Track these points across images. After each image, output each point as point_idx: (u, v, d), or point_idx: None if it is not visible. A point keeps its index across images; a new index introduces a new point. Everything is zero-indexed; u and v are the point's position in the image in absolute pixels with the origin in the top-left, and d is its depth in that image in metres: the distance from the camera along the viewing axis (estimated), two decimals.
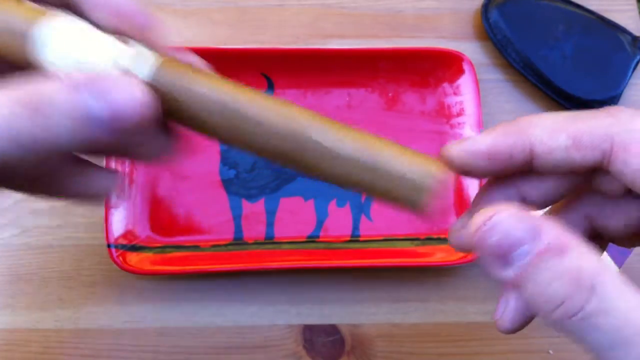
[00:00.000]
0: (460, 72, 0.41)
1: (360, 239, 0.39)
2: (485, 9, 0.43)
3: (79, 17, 0.17)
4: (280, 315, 0.38)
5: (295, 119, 0.18)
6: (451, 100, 0.41)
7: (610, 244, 0.37)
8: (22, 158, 0.16)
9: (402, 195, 0.18)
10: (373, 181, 0.18)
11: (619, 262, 0.37)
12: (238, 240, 0.38)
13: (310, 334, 0.37)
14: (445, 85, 0.42)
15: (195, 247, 0.38)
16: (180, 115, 0.18)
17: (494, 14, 0.43)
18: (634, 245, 0.21)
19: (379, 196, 0.18)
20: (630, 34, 0.43)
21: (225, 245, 0.38)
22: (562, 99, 0.42)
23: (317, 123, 0.18)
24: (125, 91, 0.16)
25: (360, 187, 0.18)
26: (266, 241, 0.38)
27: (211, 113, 0.17)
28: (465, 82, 0.41)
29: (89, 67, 0.17)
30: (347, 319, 0.38)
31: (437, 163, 0.18)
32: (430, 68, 0.42)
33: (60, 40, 0.17)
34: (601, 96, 0.41)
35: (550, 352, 0.38)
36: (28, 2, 0.17)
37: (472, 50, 0.44)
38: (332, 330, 0.38)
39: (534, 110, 0.43)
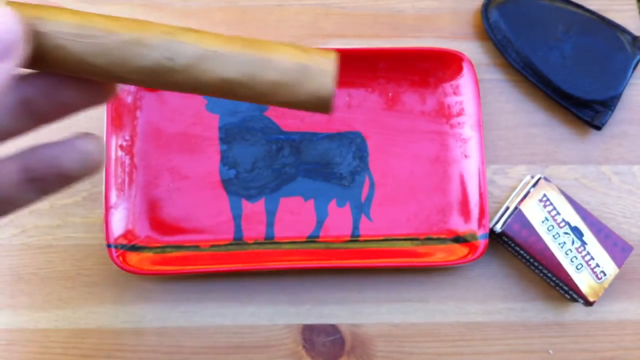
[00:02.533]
0: (460, 72, 0.41)
1: (360, 239, 0.39)
2: (485, 9, 0.43)
3: None
4: (280, 315, 0.38)
5: (162, 28, 0.17)
6: (451, 100, 0.41)
7: (611, 244, 0.37)
8: None
9: (310, 86, 0.17)
10: (269, 77, 0.17)
11: (619, 262, 0.37)
12: (238, 240, 0.38)
13: (310, 334, 0.37)
14: (445, 85, 0.42)
15: (195, 247, 0.38)
16: (43, 54, 0.17)
17: (494, 14, 0.43)
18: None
19: (285, 98, 0.18)
20: (630, 34, 0.43)
21: (225, 245, 0.38)
22: (562, 99, 0.42)
23: (190, 31, 0.17)
24: (5, 19, 0.16)
25: (258, 90, 0.18)
26: (266, 241, 0.38)
27: (72, 39, 0.17)
28: (465, 82, 0.41)
29: None
30: (347, 319, 0.38)
31: (326, 50, 0.18)
32: (430, 68, 0.42)
33: None
34: (601, 96, 0.41)
35: (550, 352, 0.38)
36: None
37: (472, 50, 0.44)
38: (332, 330, 0.38)
39: (534, 110, 0.43)
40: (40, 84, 0.19)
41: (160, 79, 0.17)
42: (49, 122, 0.21)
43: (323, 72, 0.17)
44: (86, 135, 0.20)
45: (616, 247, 0.38)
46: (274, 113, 0.40)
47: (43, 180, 0.20)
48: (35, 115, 0.20)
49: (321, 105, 0.18)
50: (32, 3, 0.17)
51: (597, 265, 0.37)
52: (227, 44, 0.17)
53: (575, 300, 0.38)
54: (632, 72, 0.42)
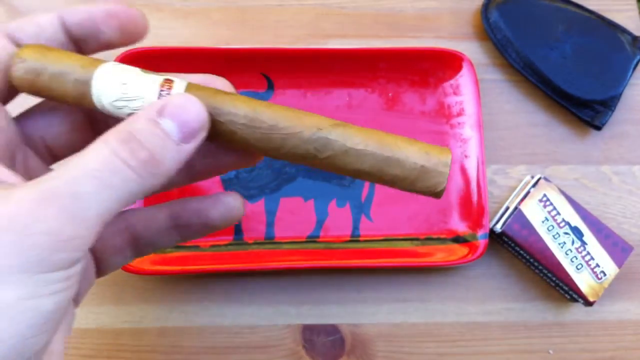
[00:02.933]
0: (460, 72, 0.41)
1: (360, 239, 0.39)
2: (485, 9, 0.43)
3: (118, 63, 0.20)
4: (280, 315, 0.38)
5: (316, 123, 0.20)
6: (451, 100, 0.41)
7: (611, 244, 0.37)
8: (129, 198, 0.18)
9: (424, 182, 0.20)
10: (394, 175, 0.20)
11: (619, 262, 0.37)
12: (238, 240, 0.38)
13: (310, 334, 0.37)
14: (445, 85, 0.42)
15: (195, 247, 0.38)
16: (214, 134, 0.20)
17: (494, 14, 0.43)
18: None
19: (402, 186, 0.21)
20: (630, 34, 0.43)
21: (225, 245, 0.38)
22: (562, 99, 0.42)
23: (336, 123, 0.20)
24: (195, 108, 0.19)
25: (382, 180, 0.21)
26: (266, 241, 0.38)
27: (241, 127, 0.20)
28: (465, 82, 0.41)
29: (137, 100, 0.19)
30: (347, 319, 0.38)
31: (444, 148, 0.21)
32: (430, 68, 0.42)
33: (110, 83, 0.19)
34: (601, 96, 0.41)
35: (550, 352, 0.38)
36: (87, 56, 0.20)
37: (472, 50, 0.44)
38: (332, 330, 0.38)
39: (534, 110, 0.43)
40: (204, 151, 0.21)
41: (303, 161, 0.21)
42: (202, 178, 0.24)
43: (439, 174, 0.20)
44: (232, 193, 0.24)
45: (616, 247, 0.38)
46: None
47: (188, 227, 0.24)
48: (193, 173, 0.24)
49: (433, 195, 0.21)
50: (210, 88, 0.20)
51: (597, 265, 0.37)
52: (366, 139, 0.20)
53: (575, 300, 0.38)
54: (632, 72, 0.42)
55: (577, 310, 0.39)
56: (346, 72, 0.41)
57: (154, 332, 0.37)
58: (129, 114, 0.19)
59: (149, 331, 0.37)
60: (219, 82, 0.22)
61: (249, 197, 0.39)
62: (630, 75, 0.42)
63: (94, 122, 0.23)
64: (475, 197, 0.39)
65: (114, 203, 0.17)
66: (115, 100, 0.19)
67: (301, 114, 0.20)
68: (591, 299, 0.37)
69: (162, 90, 0.19)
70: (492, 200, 0.41)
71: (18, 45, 0.20)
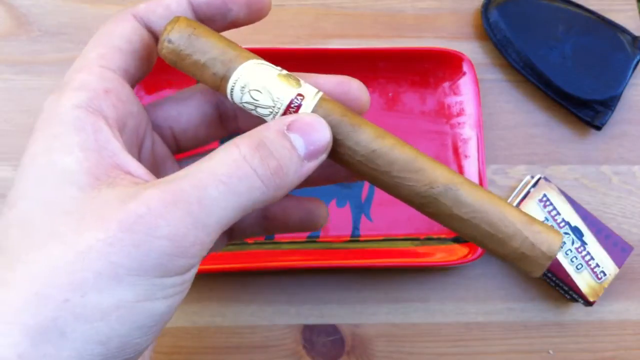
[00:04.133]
0: (460, 72, 0.41)
1: (360, 239, 0.39)
2: (485, 9, 0.43)
3: (261, 59, 0.20)
4: (280, 315, 0.38)
5: (430, 180, 0.20)
6: (451, 100, 0.42)
7: (611, 244, 0.37)
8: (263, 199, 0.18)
9: (522, 264, 0.20)
10: (493, 249, 0.20)
11: (619, 262, 0.37)
12: (238, 241, 0.38)
13: (310, 334, 0.37)
14: (445, 85, 0.42)
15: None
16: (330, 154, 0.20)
17: (494, 14, 0.43)
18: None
19: (500, 258, 0.20)
20: (630, 34, 0.43)
21: (225, 245, 0.38)
22: (562, 99, 0.42)
23: (454, 184, 0.20)
24: (322, 130, 0.19)
25: (483, 247, 0.20)
26: (266, 241, 0.38)
27: (356, 162, 0.20)
28: (465, 82, 0.41)
29: (265, 109, 0.20)
30: (347, 319, 0.38)
31: (557, 234, 0.20)
32: (430, 68, 0.42)
33: (245, 87, 0.19)
34: (601, 96, 0.41)
35: (550, 352, 0.38)
36: (235, 45, 0.20)
37: (472, 50, 0.44)
38: (332, 330, 0.38)
39: (534, 110, 0.43)
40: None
41: (407, 203, 0.20)
42: (311, 185, 0.24)
43: (539, 265, 0.20)
44: (315, 200, 0.25)
45: (616, 247, 0.38)
46: None
47: (272, 221, 0.25)
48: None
49: (529, 274, 0.21)
50: (339, 109, 0.20)
51: (597, 265, 0.37)
52: (474, 210, 0.20)
53: (575, 300, 0.38)
54: (632, 72, 0.42)
55: (577, 310, 0.39)
56: (346, 72, 0.41)
57: None
58: (254, 116, 0.20)
59: None
60: (354, 84, 0.22)
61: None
62: (630, 75, 0.42)
63: (224, 118, 0.24)
64: None
65: (235, 211, 0.17)
66: (246, 103, 0.20)
67: (422, 162, 0.20)
68: (591, 299, 0.37)
69: (291, 103, 0.19)
70: None
71: (147, 27, 0.20)
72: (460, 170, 0.40)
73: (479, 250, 0.37)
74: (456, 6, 0.45)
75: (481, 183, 0.39)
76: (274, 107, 0.19)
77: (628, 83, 0.42)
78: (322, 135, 0.19)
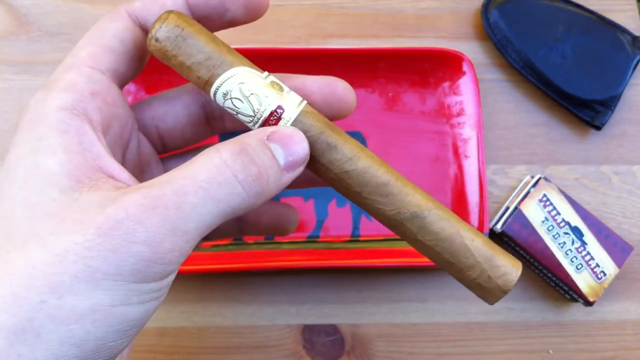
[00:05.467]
0: (460, 72, 0.41)
1: (360, 239, 0.39)
2: (485, 9, 0.43)
3: (251, 66, 0.20)
4: (279, 315, 0.38)
5: (397, 206, 0.20)
6: (451, 100, 0.41)
7: (611, 244, 0.37)
8: (243, 205, 0.18)
9: (478, 292, 0.21)
10: (453, 273, 0.21)
11: (619, 262, 0.37)
12: (238, 240, 0.38)
13: (310, 334, 0.37)
14: (445, 85, 0.42)
15: (195, 247, 0.38)
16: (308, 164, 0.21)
17: (494, 14, 0.43)
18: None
19: (459, 279, 0.21)
20: (630, 34, 0.43)
21: (225, 245, 0.38)
22: (562, 99, 0.42)
23: (422, 210, 0.20)
24: (300, 143, 0.19)
25: (444, 269, 0.21)
26: (266, 241, 0.38)
27: (333, 176, 0.20)
28: (465, 82, 0.41)
29: (247, 116, 0.20)
30: (347, 319, 0.38)
31: (516, 268, 0.21)
32: (430, 68, 0.42)
33: (228, 94, 0.20)
34: (601, 96, 0.41)
35: (551, 352, 0.38)
36: (226, 48, 0.20)
37: (472, 50, 0.44)
38: (332, 330, 0.38)
39: (534, 110, 0.43)
40: None
41: (377, 218, 0.21)
42: (294, 188, 0.25)
43: (493, 296, 0.21)
44: (287, 205, 0.26)
45: (616, 247, 0.38)
46: None
47: (245, 225, 0.25)
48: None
49: (484, 300, 0.21)
50: (320, 123, 0.20)
51: (597, 265, 0.37)
52: (439, 237, 0.20)
53: (575, 300, 0.38)
54: (632, 72, 0.42)
55: (577, 310, 0.39)
56: (346, 72, 0.41)
57: (154, 332, 0.37)
58: (238, 119, 0.20)
59: (149, 331, 0.37)
60: (340, 84, 0.22)
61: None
62: (630, 75, 0.42)
63: (210, 118, 0.24)
64: (475, 197, 0.39)
65: (214, 217, 0.17)
66: (228, 108, 0.20)
67: (394, 187, 0.20)
68: (591, 299, 0.37)
69: (270, 117, 0.20)
70: (492, 200, 0.41)
71: (141, 26, 0.20)
72: (461, 170, 0.40)
73: None
74: (456, 6, 0.45)
75: (481, 183, 0.39)
76: (254, 116, 0.20)
77: (628, 83, 0.42)
78: (300, 147, 0.19)
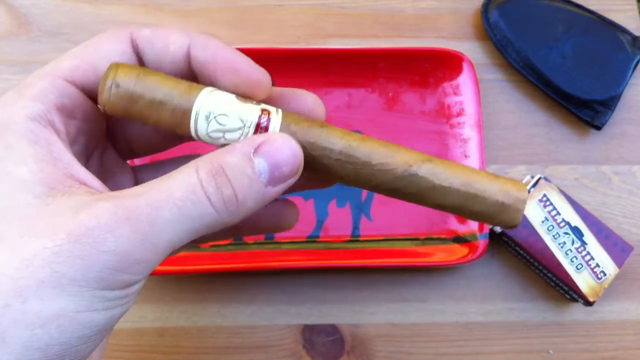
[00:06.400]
0: (460, 72, 0.41)
1: (360, 239, 0.39)
2: (485, 9, 0.43)
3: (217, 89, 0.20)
4: (280, 315, 0.38)
5: (407, 159, 0.20)
6: (451, 100, 0.41)
7: (611, 244, 0.37)
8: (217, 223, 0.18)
9: (503, 217, 0.21)
10: (475, 210, 0.21)
11: (619, 262, 0.37)
12: (238, 240, 0.38)
13: (310, 334, 0.37)
14: (445, 85, 0.42)
15: (195, 247, 0.38)
16: (307, 166, 0.20)
17: (494, 14, 0.43)
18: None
19: (480, 219, 0.21)
20: (630, 34, 0.43)
21: (225, 245, 0.38)
22: (562, 99, 0.42)
23: (426, 159, 0.21)
24: (286, 147, 0.18)
25: (463, 213, 0.21)
26: (266, 241, 0.38)
27: (335, 162, 0.20)
28: (465, 82, 0.41)
29: (236, 133, 0.19)
30: (347, 319, 0.38)
31: (520, 185, 0.21)
32: (430, 68, 0.42)
33: (210, 113, 0.19)
34: (601, 96, 0.41)
35: (551, 352, 0.38)
36: (183, 81, 0.19)
37: (472, 50, 0.44)
38: (332, 330, 0.38)
39: (534, 110, 0.43)
40: None
41: (388, 193, 0.21)
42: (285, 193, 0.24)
43: (517, 210, 0.21)
44: (286, 201, 0.25)
45: (616, 247, 0.38)
46: None
47: (244, 227, 0.24)
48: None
49: (508, 227, 0.21)
50: (305, 119, 0.20)
51: (597, 265, 0.37)
52: (451, 176, 0.20)
53: (575, 300, 0.38)
54: (632, 72, 0.42)
55: (577, 310, 0.39)
56: (346, 72, 0.41)
57: (153, 332, 0.37)
58: (223, 145, 0.19)
59: (148, 331, 0.37)
60: (309, 97, 0.22)
61: None
62: (630, 75, 0.42)
63: None
64: None
65: (187, 233, 0.17)
66: (213, 132, 0.19)
67: (393, 148, 0.20)
68: (591, 299, 0.37)
69: (259, 123, 0.19)
70: None
71: (138, 54, 0.20)
72: None
73: (479, 250, 0.37)
74: (456, 6, 0.45)
75: None
76: (243, 127, 0.19)
77: (628, 83, 0.42)
78: (291, 157, 0.18)
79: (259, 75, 0.20)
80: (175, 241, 0.17)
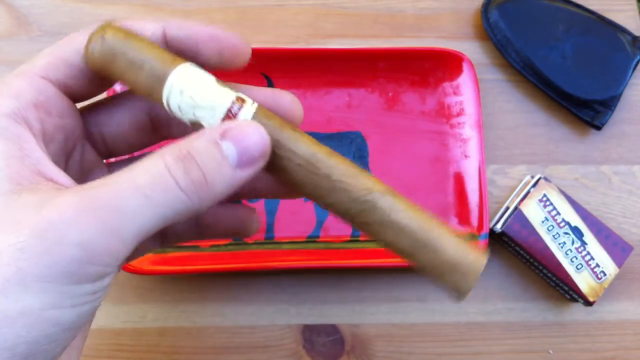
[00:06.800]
0: (460, 72, 0.41)
1: (360, 239, 0.39)
2: (485, 9, 0.43)
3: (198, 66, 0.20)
4: (279, 315, 0.38)
5: (369, 186, 0.19)
6: (451, 100, 0.41)
7: (611, 244, 0.37)
8: (184, 211, 0.17)
9: (450, 281, 0.20)
10: (426, 260, 0.20)
11: (619, 262, 0.37)
12: (238, 240, 0.38)
13: (310, 334, 0.37)
14: (445, 85, 0.42)
15: (195, 247, 0.38)
16: (268, 164, 0.20)
17: (494, 14, 0.43)
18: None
19: (429, 274, 0.20)
20: (630, 34, 0.43)
21: (225, 245, 0.38)
22: (562, 99, 0.42)
23: (388, 191, 0.20)
24: (259, 137, 0.18)
25: (413, 261, 0.20)
26: (266, 241, 0.38)
27: (296, 167, 0.19)
28: (465, 82, 0.41)
29: (206, 111, 0.19)
30: (347, 319, 0.38)
31: (482, 253, 0.20)
32: (430, 68, 0.42)
33: (184, 87, 0.19)
34: (601, 96, 0.41)
35: (550, 352, 0.38)
36: (168, 51, 0.20)
37: (472, 50, 0.44)
38: (332, 330, 0.38)
39: (534, 110, 0.43)
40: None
41: (341, 216, 0.20)
42: (240, 199, 0.25)
43: (468, 277, 0.19)
44: (247, 208, 0.25)
45: (616, 247, 0.38)
46: None
47: (208, 227, 0.25)
48: (255, 192, 0.24)
49: (454, 292, 0.20)
50: (277, 118, 0.20)
51: (597, 265, 0.37)
52: (409, 217, 0.19)
53: (575, 300, 0.38)
54: (632, 72, 0.42)
55: (577, 310, 0.39)
56: (346, 72, 0.41)
57: (153, 332, 0.37)
58: (191, 121, 0.19)
59: (148, 331, 0.37)
60: (287, 97, 0.22)
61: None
62: (630, 75, 0.42)
63: (156, 125, 0.23)
64: (475, 197, 0.39)
65: (156, 221, 0.17)
66: (183, 105, 0.19)
67: (358, 171, 0.20)
68: (591, 299, 0.37)
69: (231, 108, 0.19)
70: (492, 200, 0.41)
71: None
72: (461, 170, 0.40)
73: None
74: (456, 6, 0.45)
75: (481, 183, 0.39)
76: (214, 109, 0.19)
77: (628, 83, 0.42)
78: (259, 141, 0.18)
79: (238, 40, 0.20)
80: (145, 230, 0.17)
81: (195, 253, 0.37)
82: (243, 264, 0.37)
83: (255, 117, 0.19)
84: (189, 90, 0.19)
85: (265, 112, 0.19)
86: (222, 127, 0.18)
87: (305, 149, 0.19)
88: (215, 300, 0.38)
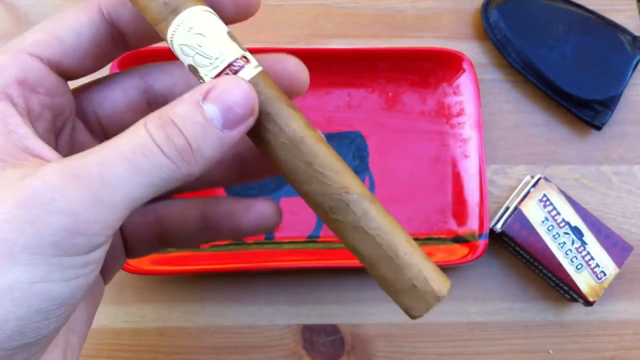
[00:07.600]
0: (460, 72, 0.41)
1: None
2: (485, 9, 0.43)
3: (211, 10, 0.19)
4: (279, 315, 0.38)
5: (347, 185, 0.19)
6: (451, 100, 0.41)
7: (611, 244, 0.37)
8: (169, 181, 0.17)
9: (407, 299, 0.19)
10: (384, 274, 0.19)
11: (619, 262, 0.37)
12: (238, 240, 0.38)
13: (310, 334, 0.37)
14: (445, 85, 0.42)
15: (195, 247, 0.38)
16: (254, 132, 0.19)
17: (494, 14, 0.43)
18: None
19: (385, 287, 0.19)
20: (630, 34, 0.43)
21: (225, 245, 0.38)
22: (562, 99, 0.42)
23: (367, 197, 0.19)
24: (243, 93, 0.17)
25: (372, 271, 0.19)
26: (266, 241, 0.38)
27: (280, 144, 0.19)
28: (465, 82, 0.41)
29: (207, 60, 0.18)
30: (347, 319, 0.38)
31: (446, 283, 0.19)
32: (430, 68, 0.42)
33: (193, 28, 0.18)
34: (601, 96, 0.41)
35: (550, 352, 0.38)
36: None
37: (472, 50, 0.44)
38: (332, 330, 0.38)
39: (534, 110, 0.43)
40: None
41: (313, 208, 0.19)
42: (255, 179, 0.24)
43: (425, 303, 0.19)
44: (267, 200, 0.23)
45: (616, 247, 0.38)
46: None
47: (217, 230, 0.23)
48: (244, 171, 0.23)
49: (407, 312, 0.19)
50: (276, 89, 0.19)
51: (597, 265, 0.37)
52: (380, 229, 0.19)
53: (575, 300, 0.38)
54: (632, 72, 0.42)
55: (577, 310, 0.39)
56: (346, 72, 0.41)
57: (153, 332, 0.37)
58: (190, 65, 0.18)
59: (148, 331, 0.37)
60: (293, 61, 0.21)
61: (249, 197, 0.39)
62: (630, 75, 0.42)
63: (152, 104, 0.23)
64: (475, 197, 0.39)
65: (143, 189, 0.17)
66: (187, 46, 0.18)
67: (342, 169, 0.19)
68: (591, 299, 0.37)
69: (233, 63, 0.18)
70: (492, 200, 0.41)
71: (112, 22, 0.20)
72: (461, 170, 0.40)
73: (479, 250, 0.37)
74: (456, 6, 0.45)
75: (481, 183, 0.39)
76: (216, 59, 0.18)
77: (628, 83, 0.42)
78: (243, 97, 0.17)
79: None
80: (135, 198, 0.16)
81: (195, 253, 0.37)
82: (243, 264, 0.37)
83: (252, 80, 0.18)
84: (198, 30, 0.18)
85: (266, 80, 0.19)
86: (204, 87, 0.17)
87: (295, 128, 0.18)
88: (215, 300, 0.38)
